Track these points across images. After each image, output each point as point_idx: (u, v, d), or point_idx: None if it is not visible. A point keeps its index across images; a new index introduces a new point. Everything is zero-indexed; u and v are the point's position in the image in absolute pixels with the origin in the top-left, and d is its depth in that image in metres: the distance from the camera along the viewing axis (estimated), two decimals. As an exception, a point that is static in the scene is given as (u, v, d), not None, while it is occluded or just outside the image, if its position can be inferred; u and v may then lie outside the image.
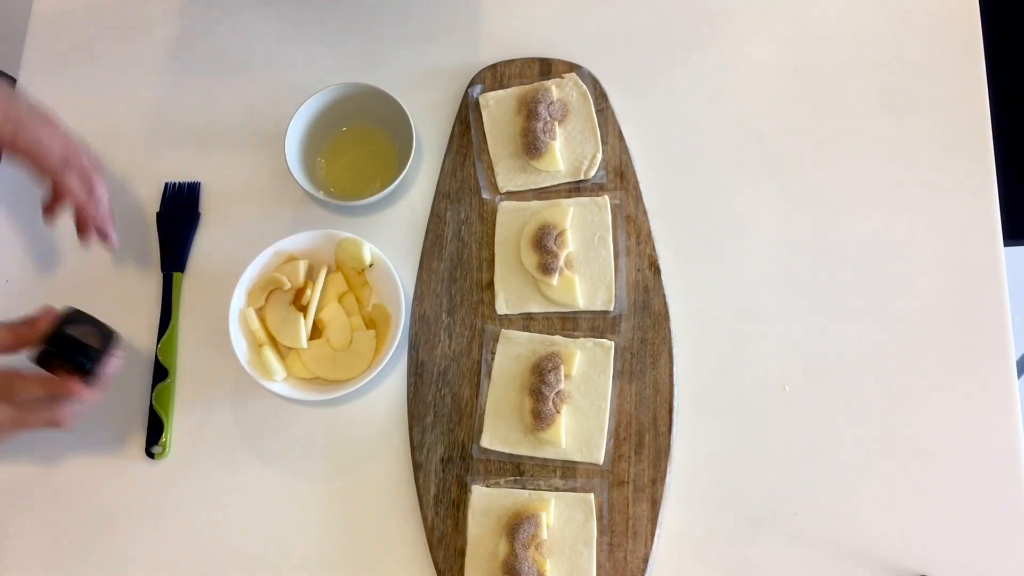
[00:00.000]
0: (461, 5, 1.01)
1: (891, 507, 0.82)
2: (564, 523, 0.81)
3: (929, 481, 0.83)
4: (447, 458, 0.85)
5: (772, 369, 0.86)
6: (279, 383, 0.85)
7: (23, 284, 0.95)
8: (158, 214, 0.96)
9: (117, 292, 0.93)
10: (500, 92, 0.96)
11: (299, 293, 0.89)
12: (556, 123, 0.93)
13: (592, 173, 0.92)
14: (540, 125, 0.92)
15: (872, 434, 0.84)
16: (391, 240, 0.93)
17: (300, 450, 0.88)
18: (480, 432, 0.85)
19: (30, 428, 0.75)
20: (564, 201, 0.91)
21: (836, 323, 0.87)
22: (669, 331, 0.87)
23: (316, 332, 0.88)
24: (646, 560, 0.81)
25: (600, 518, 0.82)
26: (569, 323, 0.88)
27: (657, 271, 0.89)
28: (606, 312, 0.88)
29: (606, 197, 0.91)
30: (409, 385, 0.88)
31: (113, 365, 0.76)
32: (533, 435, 0.84)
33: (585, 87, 0.95)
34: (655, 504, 0.82)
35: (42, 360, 0.75)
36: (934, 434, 0.84)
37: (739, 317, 0.88)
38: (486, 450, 0.84)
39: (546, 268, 0.87)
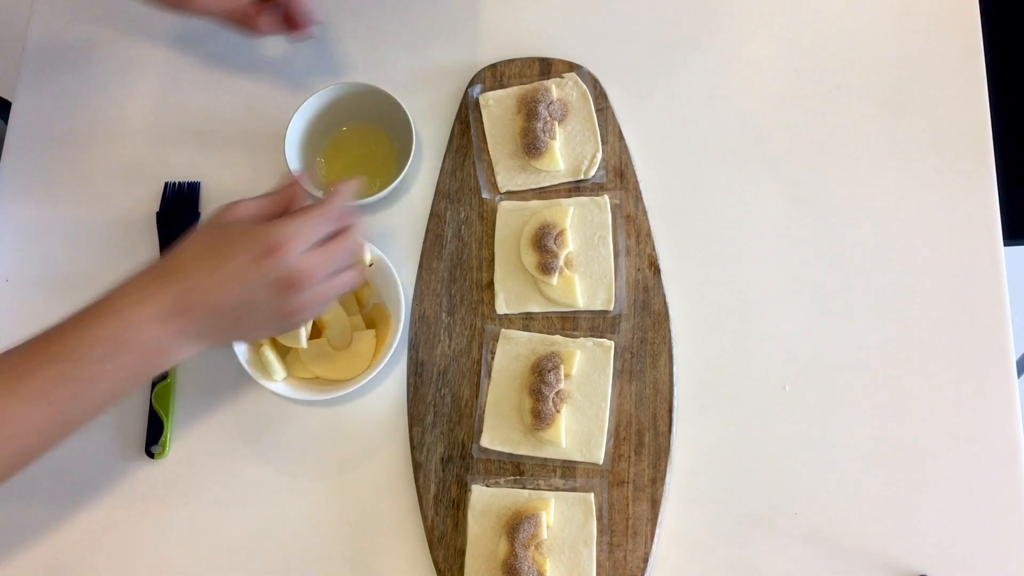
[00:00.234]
0: (461, 5, 1.01)
1: (891, 506, 0.82)
2: (564, 523, 0.81)
3: (929, 481, 0.83)
4: (447, 458, 0.85)
5: (772, 368, 0.86)
6: (279, 383, 0.85)
7: (23, 284, 0.95)
8: (158, 214, 0.96)
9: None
10: (500, 92, 0.96)
11: (299, 293, 0.88)
12: (556, 123, 0.93)
13: (592, 173, 0.92)
14: (540, 125, 0.92)
15: (872, 433, 0.84)
16: (391, 240, 0.93)
17: (300, 450, 0.88)
18: (480, 432, 0.85)
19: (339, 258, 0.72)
20: (564, 201, 0.91)
21: (836, 322, 0.87)
22: (669, 331, 0.87)
23: (316, 332, 0.88)
24: (646, 560, 0.81)
25: (600, 518, 0.82)
26: (569, 323, 0.88)
27: (657, 271, 0.89)
28: (606, 312, 0.88)
29: (606, 197, 0.91)
30: (409, 385, 0.88)
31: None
32: (533, 435, 0.84)
33: (585, 87, 0.95)
34: (655, 504, 0.82)
35: None
36: (934, 434, 0.84)
37: (739, 316, 0.88)
38: (486, 450, 0.84)
39: (546, 268, 0.87)
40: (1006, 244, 0.89)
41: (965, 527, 0.81)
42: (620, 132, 0.94)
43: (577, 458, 0.84)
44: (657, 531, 0.82)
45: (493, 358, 0.87)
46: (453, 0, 1.01)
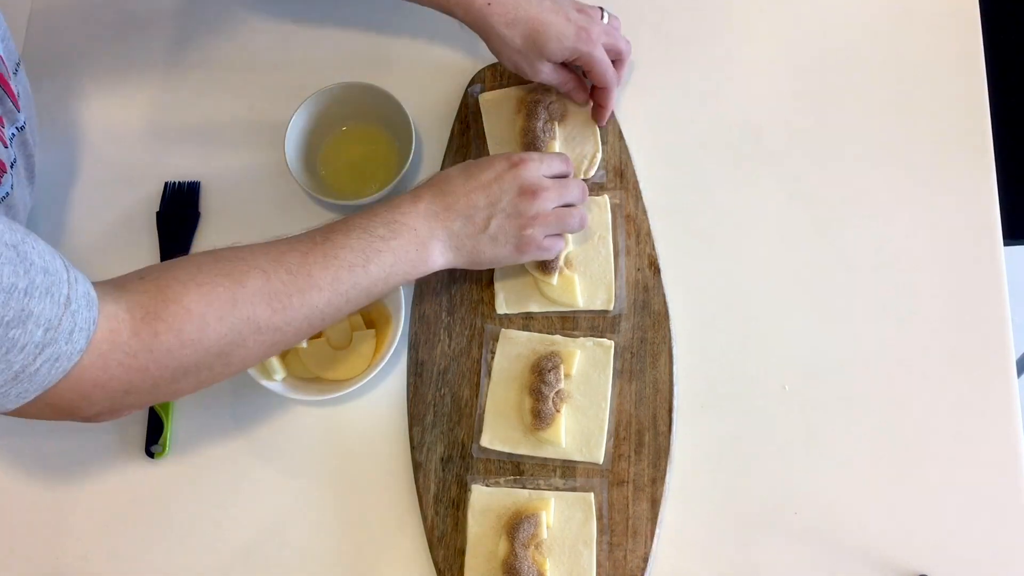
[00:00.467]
0: (461, 5, 1.01)
1: (891, 506, 0.82)
2: (564, 522, 0.81)
3: (929, 480, 0.82)
4: (447, 457, 0.85)
5: (772, 368, 0.86)
6: (278, 382, 0.85)
7: (23, 284, 0.94)
8: (158, 214, 0.96)
9: (117, 292, 0.93)
10: (500, 91, 0.95)
11: (299, 292, 0.88)
12: (555, 123, 0.93)
13: (592, 172, 0.92)
14: (540, 124, 0.92)
15: (872, 433, 0.84)
16: (391, 240, 0.93)
17: (299, 449, 0.88)
18: (480, 431, 0.85)
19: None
20: None
21: (836, 322, 0.87)
22: (669, 330, 0.87)
23: (316, 332, 0.88)
24: (646, 559, 0.81)
25: (600, 517, 0.82)
26: (569, 322, 0.88)
27: (657, 270, 0.89)
28: (606, 312, 0.88)
29: (606, 196, 0.91)
30: (409, 384, 0.88)
31: None
32: (533, 434, 0.84)
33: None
34: (655, 503, 0.82)
35: None
36: (934, 433, 0.84)
37: (739, 316, 0.88)
38: (486, 449, 0.84)
39: (546, 267, 0.87)
40: (1006, 244, 0.89)
41: (965, 527, 0.81)
42: (620, 132, 0.94)
43: (577, 458, 0.83)
44: (657, 531, 0.81)
45: (493, 358, 0.87)
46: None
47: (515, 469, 0.84)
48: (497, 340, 0.88)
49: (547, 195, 0.82)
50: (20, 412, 0.63)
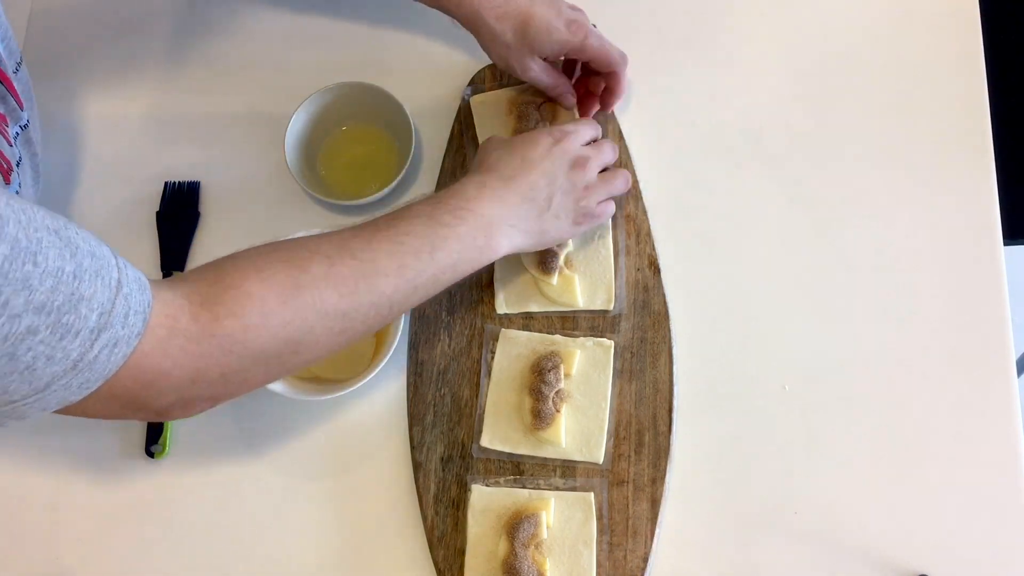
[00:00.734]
0: (461, 4, 1.01)
1: (891, 506, 0.82)
2: (564, 522, 0.81)
3: (929, 480, 0.82)
4: (447, 457, 0.85)
5: (772, 368, 0.86)
6: (278, 382, 0.85)
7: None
8: (158, 214, 0.96)
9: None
10: (490, 93, 0.95)
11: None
12: (547, 124, 0.93)
13: None
14: (531, 126, 0.92)
15: (872, 433, 0.84)
16: (391, 239, 0.93)
17: (299, 449, 0.88)
18: (480, 431, 0.85)
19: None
20: None
21: (836, 322, 0.87)
22: (669, 330, 0.87)
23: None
24: (646, 559, 0.81)
25: (600, 517, 0.82)
26: (569, 322, 0.88)
27: (657, 270, 0.89)
28: (606, 312, 0.88)
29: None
30: (409, 384, 0.88)
31: None
32: (533, 434, 0.84)
33: None
34: (655, 503, 0.82)
35: None
36: (934, 433, 0.84)
37: (739, 316, 0.88)
38: (486, 449, 0.84)
39: (545, 267, 0.87)
40: (1006, 243, 0.89)
41: (965, 527, 0.81)
42: (620, 132, 0.94)
43: (577, 458, 0.83)
44: (657, 531, 0.81)
45: (493, 358, 0.87)
46: (453, 0, 1.01)
47: (515, 469, 0.84)
48: (497, 340, 0.88)
49: (592, 164, 0.84)
50: (88, 409, 0.61)
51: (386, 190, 0.91)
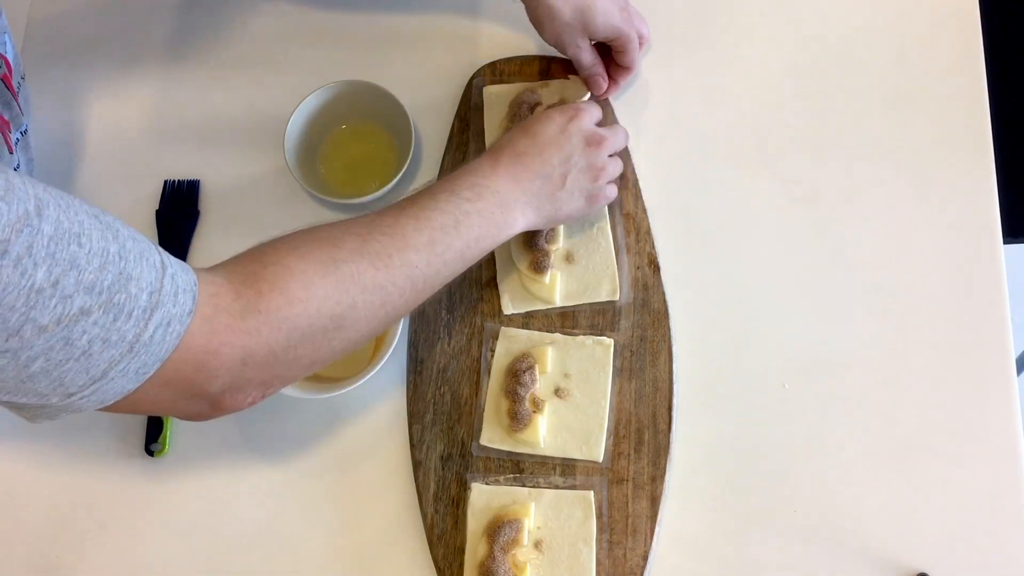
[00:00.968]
0: (461, 2, 1.01)
1: (890, 505, 0.82)
2: (563, 521, 0.81)
3: (928, 479, 0.82)
4: (446, 456, 0.85)
5: (771, 366, 0.86)
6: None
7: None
8: (157, 212, 0.96)
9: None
10: (503, 86, 0.95)
11: (298, 291, 0.88)
12: None
13: None
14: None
15: (871, 431, 0.84)
16: (391, 238, 0.93)
17: (299, 448, 0.87)
18: (480, 430, 0.85)
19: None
20: None
21: (835, 320, 0.87)
22: (668, 329, 0.87)
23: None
24: (645, 557, 0.81)
25: (600, 516, 0.82)
26: (569, 320, 0.88)
27: (656, 269, 0.89)
28: (612, 302, 0.87)
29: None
30: (408, 383, 0.88)
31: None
32: (511, 436, 0.83)
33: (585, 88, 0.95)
34: (655, 502, 0.82)
35: None
36: (933, 432, 0.84)
37: (739, 314, 0.88)
38: (485, 448, 0.84)
39: (538, 266, 0.87)
40: (1006, 242, 0.89)
41: (965, 526, 0.81)
42: (620, 130, 0.94)
43: (577, 456, 0.83)
44: (657, 529, 0.81)
45: (493, 356, 0.87)
46: (453, -1, 1.02)
47: (515, 467, 0.84)
48: (497, 338, 0.88)
49: (607, 143, 0.85)
50: (142, 399, 0.60)
51: (386, 188, 0.91)
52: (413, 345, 0.88)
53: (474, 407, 0.86)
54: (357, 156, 0.97)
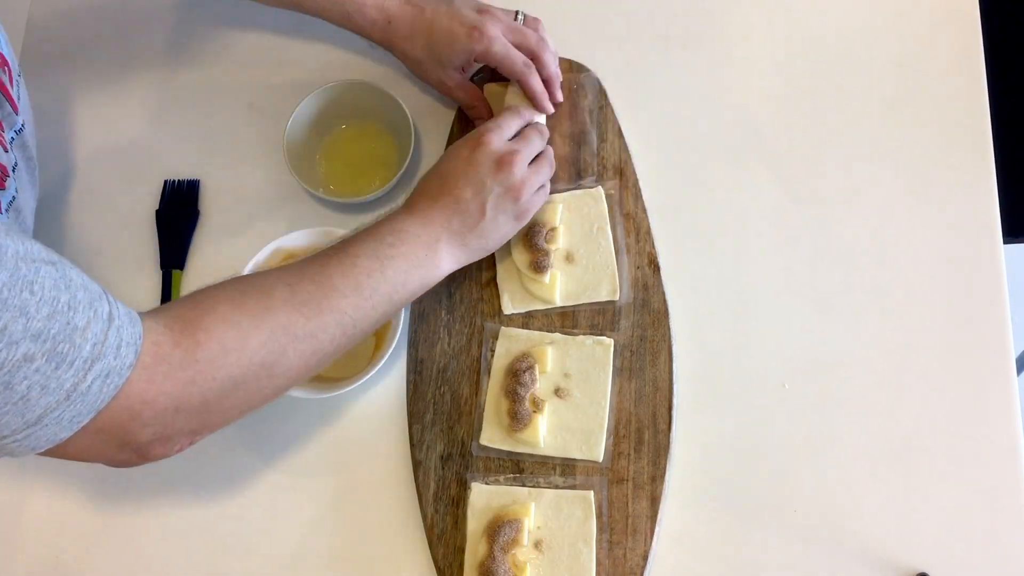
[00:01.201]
0: (461, 3, 1.01)
1: (890, 504, 0.82)
2: (563, 521, 0.81)
3: (928, 479, 0.82)
4: (447, 455, 0.85)
5: (771, 366, 0.86)
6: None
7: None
8: (157, 212, 0.96)
9: (116, 290, 0.91)
10: (502, 85, 0.95)
11: (298, 291, 0.88)
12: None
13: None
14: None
15: (871, 431, 0.84)
16: (391, 238, 0.93)
17: (299, 448, 0.87)
18: (480, 429, 0.85)
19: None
20: (555, 197, 0.91)
21: (835, 320, 0.87)
22: (668, 329, 0.87)
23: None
24: (645, 557, 0.81)
25: (600, 515, 0.81)
26: (569, 320, 0.88)
27: (656, 269, 0.89)
28: (612, 302, 0.87)
29: (600, 188, 0.91)
30: (408, 383, 0.88)
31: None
32: (512, 436, 0.83)
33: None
34: (654, 501, 0.82)
35: None
36: (933, 432, 0.84)
37: (738, 315, 0.88)
38: (486, 447, 0.84)
39: (538, 266, 0.87)
40: (1006, 242, 0.90)
41: (965, 525, 0.81)
42: (620, 130, 0.94)
43: (577, 456, 0.83)
44: (656, 529, 0.81)
45: (493, 355, 0.87)
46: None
47: (515, 467, 0.84)
48: (497, 338, 0.87)
49: (519, 157, 0.82)
50: (72, 448, 0.61)
51: (385, 188, 0.91)
52: (413, 345, 0.88)
53: (474, 407, 0.86)
54: (357, 156, 0.97)
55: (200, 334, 0.65)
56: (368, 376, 0.83)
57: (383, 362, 0.84)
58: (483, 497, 0.83)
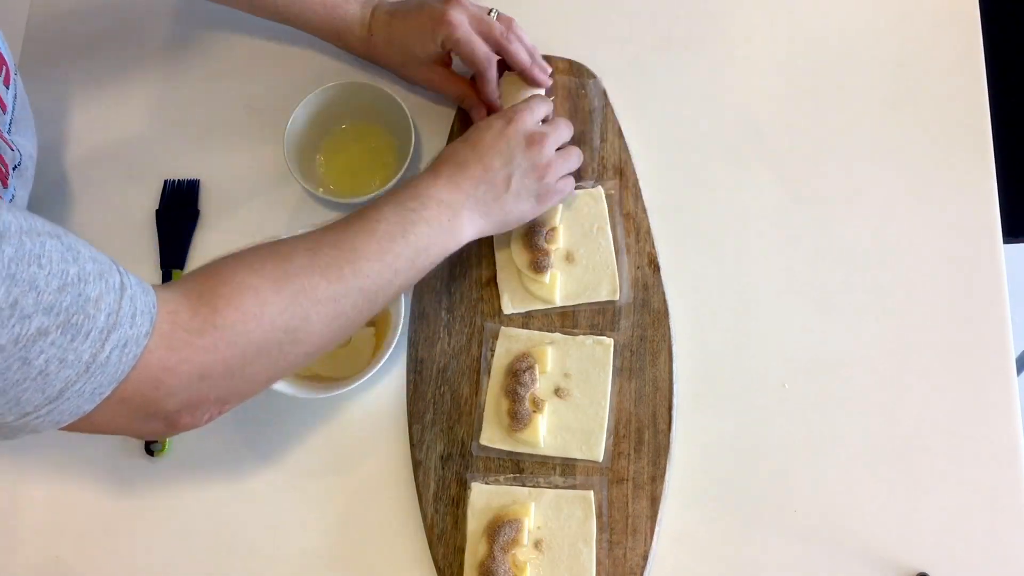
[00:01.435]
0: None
1: (890, 504, 0.82)
2: (563, 520, 0.81)
3: (928, 478, 0.82)
4: (446, 455, 0.85)
5: (771, 366, 0.86)
6: (278, 380, 0.85)
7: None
8: (157, 212, 0.96)
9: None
10: (502, 85, 0.95)
11: (298, 290, 0.88)
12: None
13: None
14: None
15: (871, 431, 0.84)
16: (391, 238, 0.93)
17: (299, 447, 0.87)
18: (480, 429, 0.85)
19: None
20: None
21: (835, 320, 0.87)
22: (668, 328, 0.87)
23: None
24: (645, 557, 0.81)
25: (600, 515, 0.82)
26: (568, 320, 0.88)
27: (656, 268, 0.89)
28: (612, 302, 0.87)
29: (600, 187, 0.91)
30: (408, 382, 0.87)
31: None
32: (511, 436, 0.83)
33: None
34: (654, 501, 0.82)
35: None
36: (933, 431, 0.84)
37: (738, 314, 0.88)
38: (486, 447, 0.84)
39: (537, 266, 0.87)
40: (1006, 242, 0.90)
41: (965, 525, 0.81)
42: (620, 130, 0.94)
43: (577, 456, 0.83)
44: (657, 529, 0.81)
45: (493, 355, 0.87)
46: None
47: (515, 467, 0.84)
48: (497, 338, 0.87)
49: (549, 140, 0.85)
50: (99, 420, 0.61)
51: (385, 188, 0.91)
52: (413, 345, 0.88)
53: (474, 407, 0.86)
54: (357, 156, 0.97)
55: (218, 301, 0.64)
56: (368, 376, 0.83)
57: (383, 362, 0.84)
58: (483, 497, 0.83)
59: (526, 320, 0.88)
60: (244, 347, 0.65)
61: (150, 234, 0.95)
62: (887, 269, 0.89)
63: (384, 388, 0.88)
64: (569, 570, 0.80)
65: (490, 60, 0.91)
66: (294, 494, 0.86)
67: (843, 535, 0.81)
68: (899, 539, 0.81)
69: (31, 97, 0.93)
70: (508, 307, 0.89)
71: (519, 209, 0.84)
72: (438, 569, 0.82)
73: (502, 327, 0.88)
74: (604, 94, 0.95)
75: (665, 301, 0.88)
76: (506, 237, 0.90)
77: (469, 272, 0.90)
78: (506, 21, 0.93)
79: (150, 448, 0.87)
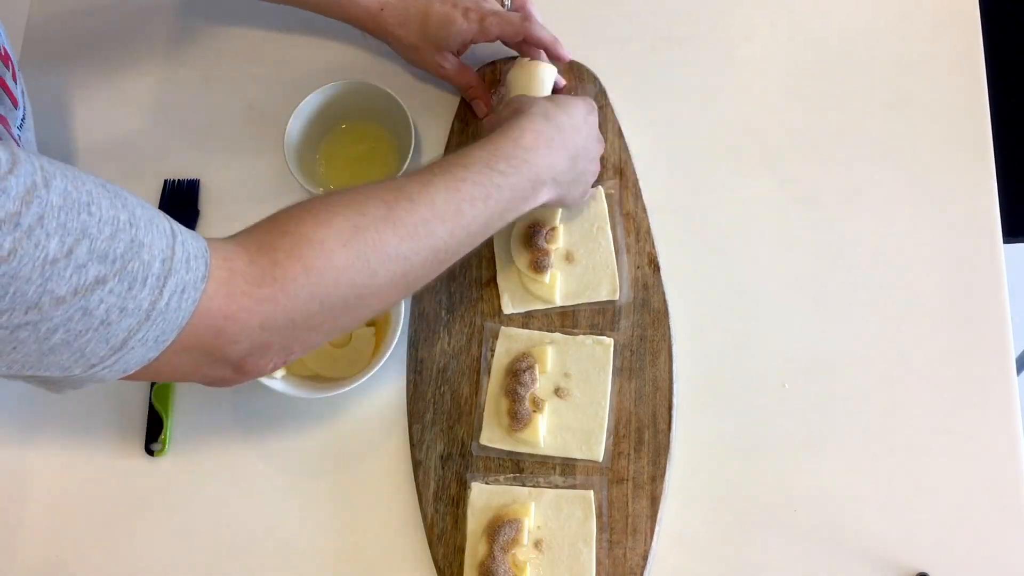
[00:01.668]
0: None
1: (890, 504, 0.82)
2: (563, 520, 0.81)
3: (928, 478, 0.82)
4: (447, 455, 0.85)
5: (771, 366, 0.86)
6: (278, 380, 0.85)
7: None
8: (157, 212, 0.96)
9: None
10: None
11: (298, 290, 0.88)
12: None
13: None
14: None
15: (871, 431, 0.84)
16: (391, 238, 0.93)
17: (299, 447, 0.87)
18: (480, 429, 0.85)
19: None
20: None
21: (835, 320, 0.87)
22: (668, 328, 0.87)
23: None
24: (645, 557, 0.81)
25: (600, 515, 0.82)
26: (569, 320, 0.88)
27: (656, 268, 0.89)
28: (612, 302, 0.87)
29: (600, 187, 0.91)
30: (408, 382, 0.88)
31: None
32: (511, 435, 0.83)
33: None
34: (654, 501, 0.82)
35: None
36: (933, 431, 0.84)
37: (738, 314, 0.88)
38: (485, 447, 0.84)
39: (537, 266, 0.87)
40: (1006, 242, 0.89)
41: (965, 525, 0.81)
42: (620, 130, 0.94)
43: (577, 456, 0.83)
44: (656, 528, 0.81)
45: (493, 355, 0.87)
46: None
47: (515, 467, 0.84)
48: (497, 338, 0.87)
49: (603, 146, 0.89)
50: (165, 367, 0.59)
51: (386, 188, 0.90)
52: (413, 345, 0.88)
53: (474, 407, 0.86)
54: (357, 156, 0.97)
55: (278, 253, 0.62)
56: (368, 376, 0.83)
57: (383, 362, 0.84)
58: (483, 497, 0.83)
59: (526, 320, 0.88)
60: (307, 301, 0.63)
61: (150, 234, 0.95)
62: (887, 269, 0.89)
63: (384, 388, 0.88)
64: (569, 570, 0.80)
65: (527, 19, 0.91)
66: (293, 494, 0.86)
67: (843, 535, 0.81)
68: (899, 539, 0.81)
69: (31, 96, 0.93)
70: (508, 307, 0.89)
71: (576, 191, 0.84)
72: (438, 569, 0.82)
73: (502, 327, 0.88)
74: (604, 93, 0.95)
75: (665, 301, 0.88)
76: (506, 237, 0.90)
77: (469, 272, 0.90)
78: (520, 5, 0.94)
79: (150, 448, 0.87)
